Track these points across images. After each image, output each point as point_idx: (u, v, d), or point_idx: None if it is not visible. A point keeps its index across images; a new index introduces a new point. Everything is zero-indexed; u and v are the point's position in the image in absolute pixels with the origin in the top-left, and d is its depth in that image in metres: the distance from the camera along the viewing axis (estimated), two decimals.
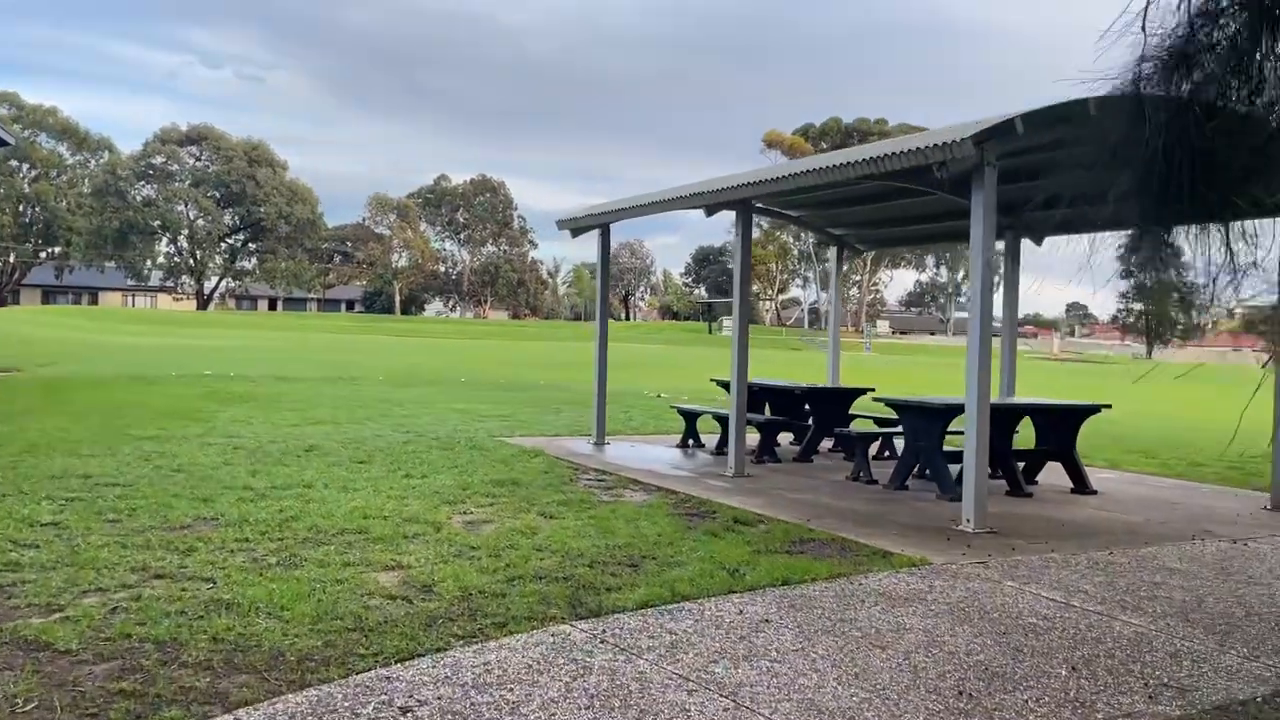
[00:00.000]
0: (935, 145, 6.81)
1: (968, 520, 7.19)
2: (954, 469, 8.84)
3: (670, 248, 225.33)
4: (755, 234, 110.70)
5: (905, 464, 9.10)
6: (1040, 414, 9.50)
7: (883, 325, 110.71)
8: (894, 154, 7.09)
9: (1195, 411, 22.07)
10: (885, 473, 9.78)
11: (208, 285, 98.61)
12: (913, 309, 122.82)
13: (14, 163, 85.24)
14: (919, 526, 7.36)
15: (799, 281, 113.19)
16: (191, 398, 16.13)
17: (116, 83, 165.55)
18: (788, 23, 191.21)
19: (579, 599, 5.22)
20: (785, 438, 12.45)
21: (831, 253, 13.26)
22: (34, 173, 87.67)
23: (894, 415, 11.67)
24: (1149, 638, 4.76)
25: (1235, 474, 11.30)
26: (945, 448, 8.77)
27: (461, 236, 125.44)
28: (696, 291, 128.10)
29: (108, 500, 7.31)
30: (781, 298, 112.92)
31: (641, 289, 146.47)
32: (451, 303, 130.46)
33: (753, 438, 10.76)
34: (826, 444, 11.93)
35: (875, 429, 10.73)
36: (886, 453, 11.42)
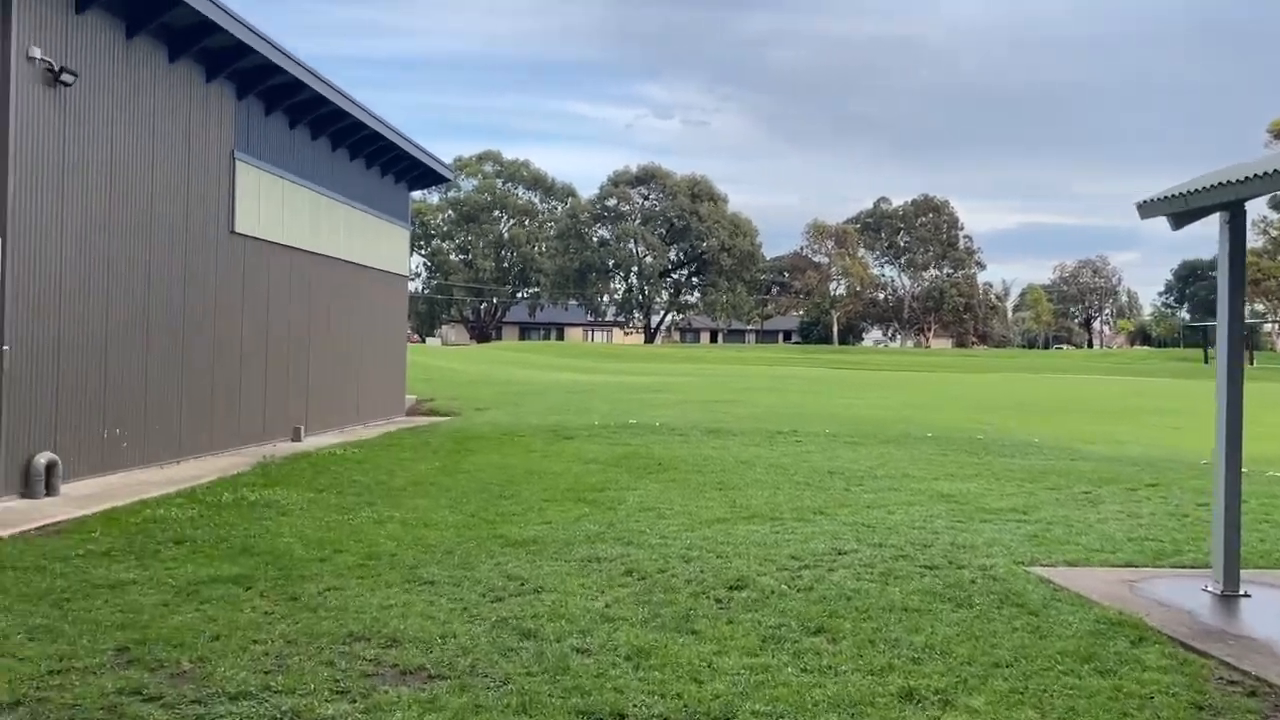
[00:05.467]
0: None
1: None
2: None
3: (1129, 265, 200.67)
4: (1256, 242, 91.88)
5: None
6: None
7: None
8: None
9: None
10: None
11: (654, 319, 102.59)
12: None
13: (496, 212, 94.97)
14: None
15: None
16: (604, 463, 13.17)
17: (581, 139, 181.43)
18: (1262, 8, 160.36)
19: None
20: None
21: None
22: (510, 221, 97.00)
23: None
24: None
25: None
26: None
27: (902, 261, 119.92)
28: (1178, 313, 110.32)
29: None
30: None
31: (1107, 311, 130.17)
32: (891, 331, 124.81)
33: None
34: None
35: None
36: None
